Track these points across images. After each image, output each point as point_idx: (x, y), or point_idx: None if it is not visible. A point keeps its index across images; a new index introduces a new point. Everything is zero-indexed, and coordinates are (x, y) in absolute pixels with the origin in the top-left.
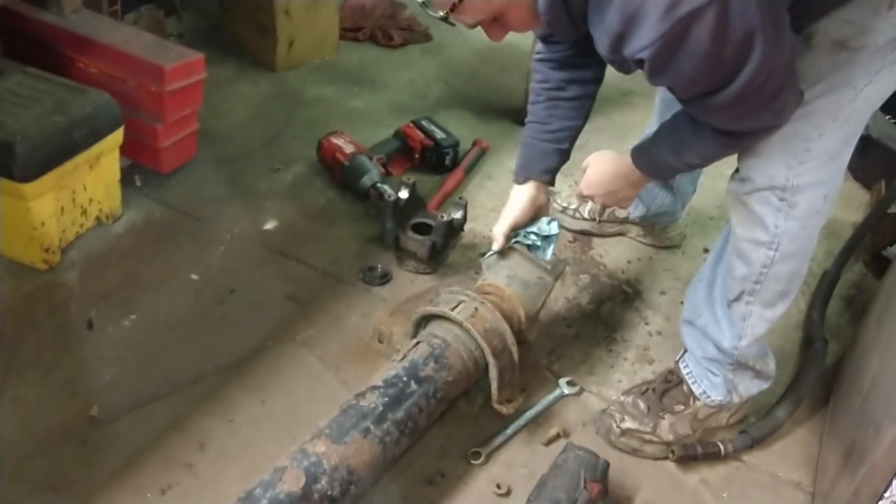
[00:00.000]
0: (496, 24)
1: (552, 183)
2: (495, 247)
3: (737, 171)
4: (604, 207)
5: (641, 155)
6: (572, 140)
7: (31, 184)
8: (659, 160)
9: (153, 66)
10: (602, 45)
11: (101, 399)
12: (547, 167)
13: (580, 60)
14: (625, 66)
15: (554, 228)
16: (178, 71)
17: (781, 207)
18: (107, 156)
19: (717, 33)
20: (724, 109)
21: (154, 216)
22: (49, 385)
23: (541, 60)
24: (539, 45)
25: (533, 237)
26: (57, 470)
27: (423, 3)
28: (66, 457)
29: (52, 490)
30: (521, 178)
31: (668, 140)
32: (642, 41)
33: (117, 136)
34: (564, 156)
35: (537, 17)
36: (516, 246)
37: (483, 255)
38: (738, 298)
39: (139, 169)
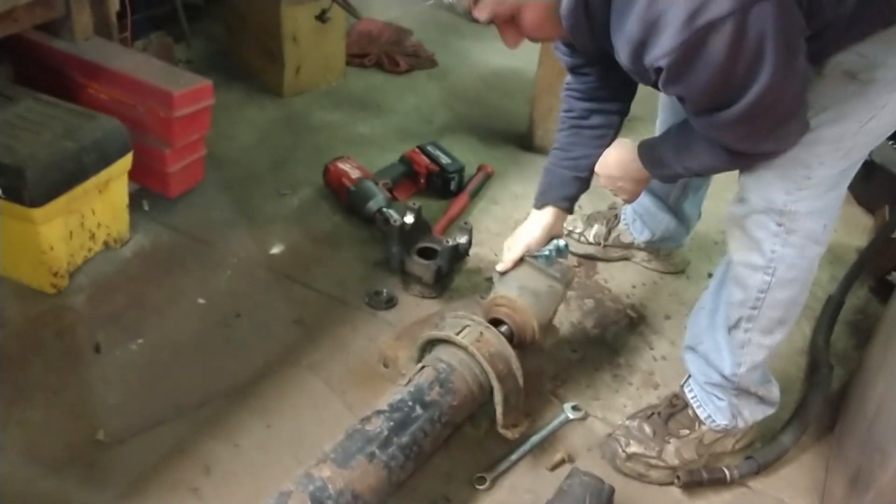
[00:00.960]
0: (512, 25)
1: (570, 210)
2: (500, 267)
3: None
4: (609, 231)
5: (647, 146)
6: (592, 169)
7: (41, 208)
8: (661, 156)
9: (162, 92)
10: (623, 53)
11: (108, 422)
12: (565, 194)
13: (607, 93)
14: (646, 76)
15: (562, 244)
16: (187, 97)
17: (779, 233)
18: (116, 180)
19: (732, 46)
20: (730, 127)
21: (162, 240)
22: (56, 408)
23: (568, 90)
24: (568, 77)
25: (544, 256)
26: (63, 493)
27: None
28: (71, 480)
29: None
30: (539, 204)
31: (674, 140)
32: (662, 49)
33: (126, 161)
34: (584, 184)
35: (555, 23)
36: (525, 257)
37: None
38: (736, 325)
39: (147, 193)
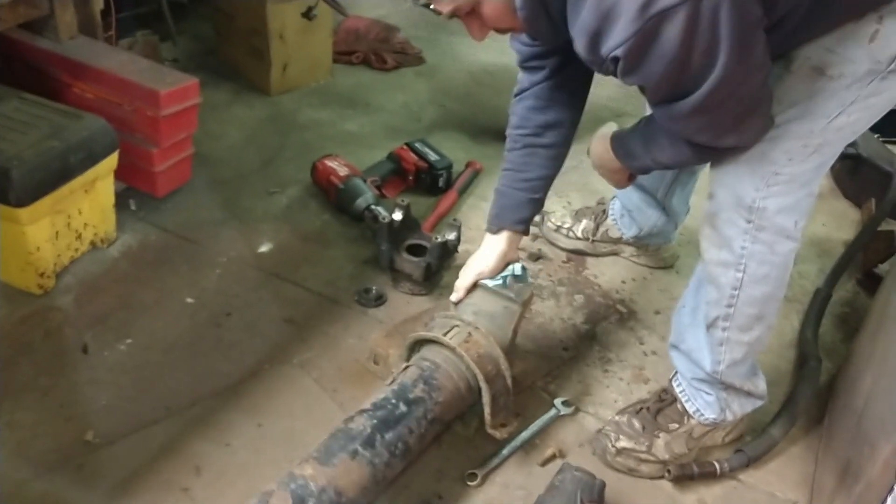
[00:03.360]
0: (473, 16)
1: (526, 232)
2: (453, 298)
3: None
4: (597, 226)
5: (619, 140)
6: (546, 189)
7: (27, 209)
8: (631, 149)
9: (149, 91)
10: (580, 44)
11: (97, 423)
12: (521, 217)
13: (560, 95)
14: (604, 66)
15: (518, 270)
16: (174, 95)
17: (748, 230)
18: (102, 180)
19: (685, 35)
20: (687, 118)
21: (149, 240)
22: (44, 409)
23: (520, 99)
24: (519, 77)
25: (499, 284)
26: (52, 495)
27: None
28: (61, 481)
29: None
30: (494, 228)
31: (643, 133)
32: (617, 39)
33: (113, 160)
34: (539, 205)
35: (516, 14)
36: (479, 282)
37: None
38: (713, 324)
39: (134, 193)
